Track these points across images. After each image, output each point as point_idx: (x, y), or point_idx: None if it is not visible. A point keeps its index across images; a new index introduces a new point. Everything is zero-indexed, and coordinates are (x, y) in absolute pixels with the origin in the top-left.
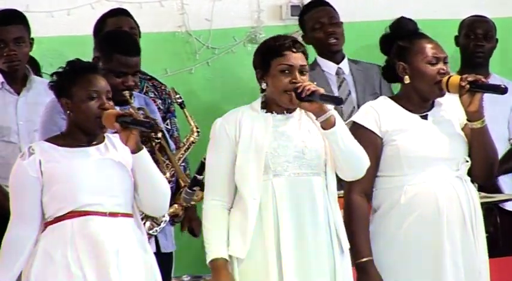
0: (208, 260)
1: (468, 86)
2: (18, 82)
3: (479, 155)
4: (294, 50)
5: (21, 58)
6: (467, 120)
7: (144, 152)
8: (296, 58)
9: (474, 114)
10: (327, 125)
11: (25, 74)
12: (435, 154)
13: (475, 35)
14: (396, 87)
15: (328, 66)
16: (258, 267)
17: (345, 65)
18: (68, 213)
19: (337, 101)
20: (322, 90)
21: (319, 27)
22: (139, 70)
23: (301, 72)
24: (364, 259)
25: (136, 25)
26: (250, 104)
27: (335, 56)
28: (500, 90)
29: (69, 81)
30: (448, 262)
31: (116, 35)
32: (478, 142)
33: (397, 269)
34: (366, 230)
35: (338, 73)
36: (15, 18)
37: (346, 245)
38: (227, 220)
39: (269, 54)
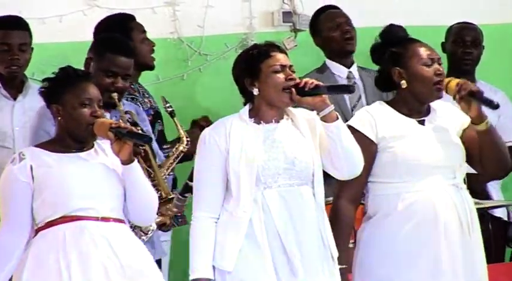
0: (191, 277)
1: (462, 94)
2: (15, 87)
3: (491, 154)
4: (280, 51)
5: (22, 64)
6: (472, 123)
7: (136, 164)
8: (284, 58)
9: (477, 118)
10: (330, 118)
11: (22, 80)
12: (433, 162)
13: (464, 42)
14: None
15: (339, 70)
16: (256, 277)
17: (354, 70)
18: (59, 218)
19: (349, 89)
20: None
21: (337, 26)
22: (130, 74)
23: (292, 71)
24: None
25: None
26: (238, 113)
27: (346, 60)
28: (493, 105)
29: (62, 88)
30: (447, 269)
31: (111, 36)
32: (487, 142)
33: (394, 277)
34: (347, 238)
35: (349, 77)
36: (21, 24)
37: (335, 253)
38: (214, 236)
39: (256, 58)
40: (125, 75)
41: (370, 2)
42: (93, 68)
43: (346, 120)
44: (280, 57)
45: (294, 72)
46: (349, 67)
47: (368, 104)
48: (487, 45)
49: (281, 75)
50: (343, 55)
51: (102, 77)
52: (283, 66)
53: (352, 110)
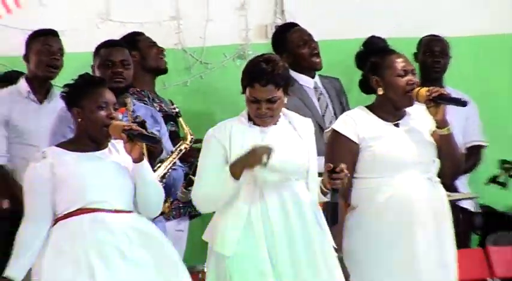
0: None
1: (434, 97)
2: (42, 93)
3: (447, 157)
4: (264, 82)
5: (59, 68)
6: (436, 127)
7: (145, 162)
8: (263, 92)
9: (441, 123)
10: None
11: (48, 87)
12: (408, 159)
13: (432, 52)
14: (351, 99)
15: (306, 81)
16: (251, 264)
17: (317, 79)
18: (77, 210)
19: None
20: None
21: (304, 43)
22: (130, 62)
23: (270, 102)
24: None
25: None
26: (238, 117)
27: (312, 71)
28: (461, 103)
29: (80, 92)
30: (421, 253)
31: (104, 41)
32: (446, 146)
33: (375, 259)
34: (340, 229)
35: (316, 87)
36: (58, 34)
37: (332, 241)
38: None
39: (245, 80)
40: (122, 62)
41: (352, 16)
42: (97, 71)
43: (319, 125)
44: (259, 91)
45: (274, 102)
46: (313, 77)
47: (334, 109)
48: (481, 55)
49: (254, 106)
50: (311, 71)
51: (103, 70)
52: (257, 100)
53: (323, 116)
